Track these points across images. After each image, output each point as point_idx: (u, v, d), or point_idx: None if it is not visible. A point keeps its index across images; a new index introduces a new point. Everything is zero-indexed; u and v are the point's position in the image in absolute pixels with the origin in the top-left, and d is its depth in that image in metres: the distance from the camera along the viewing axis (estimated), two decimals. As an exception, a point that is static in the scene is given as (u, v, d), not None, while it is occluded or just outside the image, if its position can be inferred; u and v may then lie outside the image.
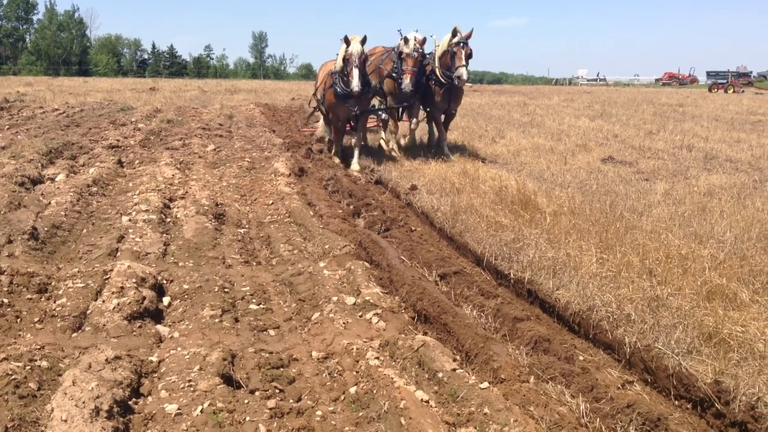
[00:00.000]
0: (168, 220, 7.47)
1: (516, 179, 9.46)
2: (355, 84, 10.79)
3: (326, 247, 6.48)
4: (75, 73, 79.08)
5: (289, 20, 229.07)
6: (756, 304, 4.87)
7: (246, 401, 3.46)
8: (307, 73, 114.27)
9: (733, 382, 3.81)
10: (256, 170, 11.05)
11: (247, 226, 7.70)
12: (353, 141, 12.93)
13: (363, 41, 11.04)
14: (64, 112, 19.57)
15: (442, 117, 13.32)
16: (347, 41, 10.98)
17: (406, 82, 11.89)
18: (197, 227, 6.92)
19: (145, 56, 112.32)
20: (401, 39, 12.09)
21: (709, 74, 67.81)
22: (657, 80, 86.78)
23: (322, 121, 14.69)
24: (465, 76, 11.86)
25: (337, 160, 12.85)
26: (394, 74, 12.49)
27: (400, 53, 11.96)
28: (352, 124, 13.12)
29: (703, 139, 16.35)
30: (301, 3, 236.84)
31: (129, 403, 3.45)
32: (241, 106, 25.41)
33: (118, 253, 6.01)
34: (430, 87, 12.74)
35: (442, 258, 6.50)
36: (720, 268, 5.43)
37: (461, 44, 11.77)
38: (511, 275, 5.92)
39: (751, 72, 65.67)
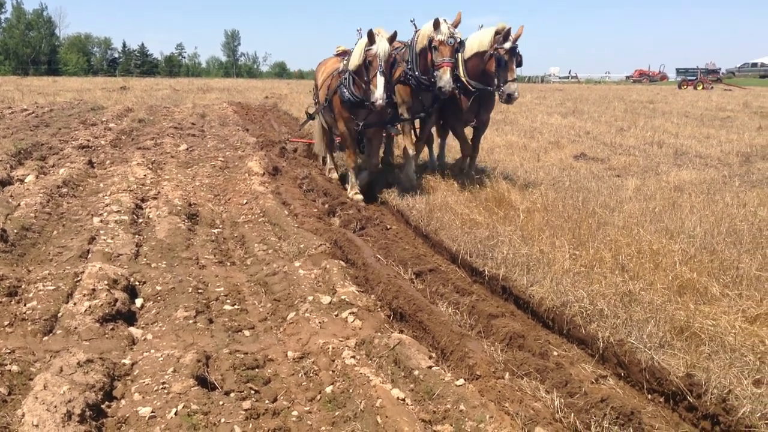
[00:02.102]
0: (140, 220, 7.39)
1: (490, 177, 9.52)
2: (380, 95, 8.05)
3: (301, 246, 6.45)
4: (44, 72, 78.04)
5: (262, 18, 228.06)
6: (726, 298, 4.94)
7: (221, 403, 3.43)
8: (280, 71, 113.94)
9: (705, 375, 3.85)
10: (230, 169, 10.97)
11: (220, 226, 7.65)
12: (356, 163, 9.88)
13: (392, 38, 8.38)
14: (33, 113, 19.25)
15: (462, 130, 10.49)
16: (371, 37, 8.23)
17: (446, 78, 8.52)
18: (170, 227, 6.85)
19: (116, 55, 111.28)
20: (417, 30, 9.24)
21: (678, 71, 68.82)
22: (628, 77, 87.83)
23: (318, 137, 11.56)
24: (517, 94, 8.95)
25: (334, 176, 11.10)
26: (410, 78, 9.28)
27: (430, 42, 8.63)
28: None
29: (674, 135, 16.56)
30: (274, 1, 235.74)
31: (102, 406, 3.40)
32: (213, 104, 25.22)
33: (90, 255, 5.93)
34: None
35: (418, 256, 6.51)
36: (690, 263, 5.50)
37: (510, 50, 8.72)
38: (486, 272, 5.95)
39: (720, 69, 66.72)
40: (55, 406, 3.13)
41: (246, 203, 8.57)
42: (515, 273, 5.69)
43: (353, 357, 3.99)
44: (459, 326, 4.76)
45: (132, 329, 4.53)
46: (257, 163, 10.82)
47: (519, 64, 8.85)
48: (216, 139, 14.41)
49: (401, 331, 4.66)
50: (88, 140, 13.25)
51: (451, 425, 3.27)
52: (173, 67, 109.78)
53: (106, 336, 4.31)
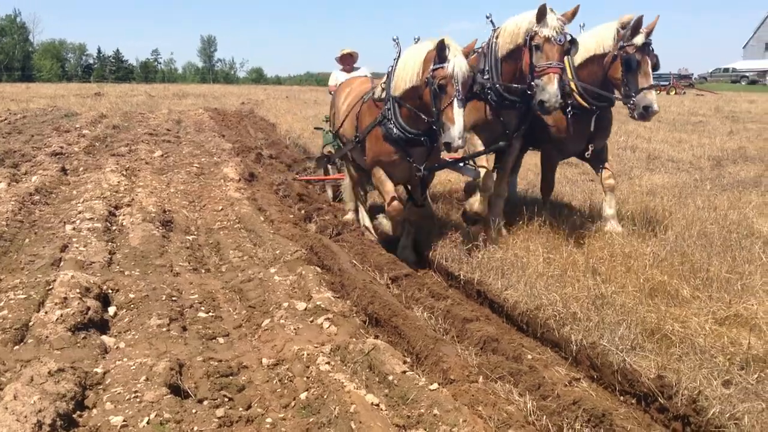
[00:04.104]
0: (114, 228, 7.33)
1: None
2: (458, 133, 5.60)
3: (277, 252, 6.44)
4: (17, 78, 77.08)
5: (238, 24, 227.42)
6: (696, 300, 5.02)
7: (194, 411, 3.41)
8: (257, 77, 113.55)
9: (676, 376, 3.91)
10: (205, 176, 10.92)
11: (195, 232, 7.60)
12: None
13: (470, 51, 6.11)
14: (5, 119, 19.03)
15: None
16: (443, 51, 5.74)
17: (552, 88, 5.91)
18: (144, 235, 6.80)
19: (91, 61, 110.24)
20: (496, 29, 6.67)
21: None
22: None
23: (347, 182, 8.41)
24: (657, 106, 6.50)
25: (373, 237, 7.57)
26: (488, 91, 6.61)
27: (529, 39, 6.09)
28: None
29: (646, 139, 16.76)
30: (251, 7, 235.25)
31: (73, 416, 3.36)
32: (189, 110, 25.08)
33: (62, 263, 5.86)
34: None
35: (394, 261, 6.52)
36: (662, 266, 5.58)
37: (643, 46, 6.43)
38: (461, 276, 5.99)
39: (693, 74, 67.60)
40: (26, 416, 3.09)
41: (221, 209, 8.53)
42: (490, 277, 5.73)
43: (328, 363, 3.98)
44: (434, 331, 4.78)
45: (104, 338, 4.49)
46: (233, 169, 10.78)
47: (655, 67, 6.59)
48: (191, 146, 14.34)
49: (377, 337, 4.67)
50: (62, 147, 13.10)
51: (425, 429, 3.28)
52: (149, 73, 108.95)
53: (78, 345, 4.26)
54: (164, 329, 4.51)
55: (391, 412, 3.47)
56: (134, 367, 3.87)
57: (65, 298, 4.69)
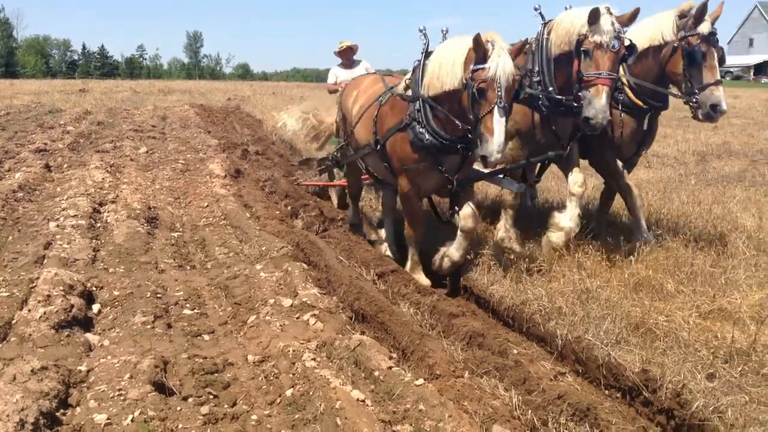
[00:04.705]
0: (98, 225, 7.27)
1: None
2: (498, 146, 4.87)
3: (263, 249, 6.41)
4: (1, 75, 76.27)
5: (224, 20, 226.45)
6: (681, 294, 5.06)
7: (179, 408, 3.40)
8: (244, 73, 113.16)
9: (660, 370, 3.95)
10: (191, 172, 10.86)
11: (181, 229, 7.56)
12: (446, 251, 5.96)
13: (519, 51, 5.29)
14: (-12, 116, 18.82)
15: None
16: (481, 47, 4.95)
17: (599, 104, 5.28)
18: (128, 232, 6.75)
19: (75, 57, 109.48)
20: (546, 23, 5.91)
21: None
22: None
23: (348, 192, 7.98)
24: (725, 105, 5.82)
25: (385, 249, 7.07)
26: (539, 96, 5.83)
27: (578, 44, 5.39)
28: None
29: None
30: (237, 3, 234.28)
31: (56, 414, 3.33)
32: (175, 107, 24.91)
33: (45, 260, 5.81)
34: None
35: (380, 257, 6.53)
36: (646, 260, 5.62)
37: (708, 36, 5.70)
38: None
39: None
40: (8, 415, 3.06)
41: (207, 206, 8.49)
42: (476, 272, 5.74)
43: (314, 359, 3.97)
44: (420, 326, 4.78)
45: (88, 335, 4.45)
46: (219, 166, 10.73)
47: (721, 60, 5.81)
48: (177, 142, 14.25)
49: (363, 333, 4.66)
50: (46, 144, 12.97)
51: (411, 425, 3.28)
52: (134, 69, 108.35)
53: (62, 343, 4.22)
54: (149, 326, 4.48)
55: (377, 407, 3.47)
56: (118, 364, 3.84)
57: (49, 296, 4.65)
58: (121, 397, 3.43)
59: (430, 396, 3.45)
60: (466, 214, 5.67)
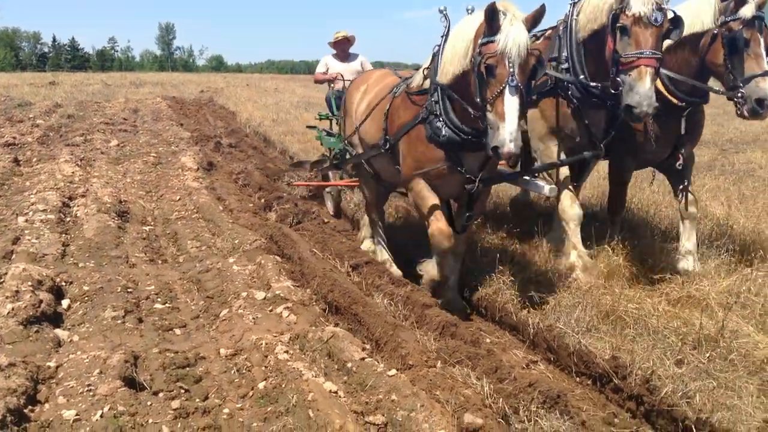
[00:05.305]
0: (68, 219, 7.18)
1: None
2: (509, 134, 4.00)
3: (236, 242, 6.37)
4: (-32, 68, 74.81)
5: (197, 11, 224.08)
6: (650, 282, 5.12)
7: (149, 403, 3.37)
8: (217, 65, 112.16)
9: (630, 357, 3.99)
10: (163, 165, 10.76)
11: (152, 223, 7.49)
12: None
13: (535, 19, 4.25)
14: (-45, 110, 18.46)
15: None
16: (494, 19, 4.13)
17: (643, 88, 4.45)
18: (99, 226, 6.67)
19: (45, 50, 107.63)
20: (575, 1, 5.19)
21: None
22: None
23: (366, 188, 6.57)
24: None
25: (386, 257, 6.31)
26: (567, 85, 5.19)
27: (613, 20, 4.62)
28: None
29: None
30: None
31: (24, 411, 3.28)
32: (147, 99, 24.67)
33: (14, 256, 5.72)
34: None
35: (355, 249, 6.51)
36: (617, 248, 5.66)
37: (755, 21, 4.85)
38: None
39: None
40: (-26, 413, 3.02)
41: (179, 199, 8.41)
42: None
43: (287, 352, 3.97)
44: (393, 317, 4.78)
45: (58, 331, 4.39)
46: (191, 159, 10.65)
47: None
48: (149, 135, 14.12)
49: (336, 324, 4.66)
50: (14, 137, 12.79)
51: (383, 415, 3.29)
52: (105, 61, 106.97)
53: (30, 339, 4.16)
54: (119, 321, 4.44)
55: (350, 399, 3.47)
56: (88, 360, 3.79)
57: (17, 291, 4.58)
58: (91, 393, 3.39)
59: (402, 386, 3.45)
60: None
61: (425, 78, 5.02)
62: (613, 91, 4.65)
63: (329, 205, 8.83)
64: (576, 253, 5.40)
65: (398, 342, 4.20)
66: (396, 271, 6.03)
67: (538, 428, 3.23)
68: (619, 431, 3.42)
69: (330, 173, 8.34)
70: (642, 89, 4.42)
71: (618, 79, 4.59)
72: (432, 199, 5.00)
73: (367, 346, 4.22)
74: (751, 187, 8.36)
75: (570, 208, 5.38)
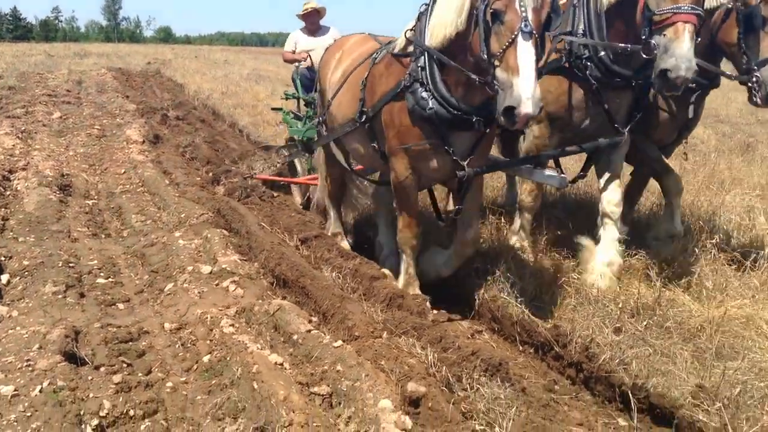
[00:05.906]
0: (7, 193, 6.96)
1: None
2: (528, 91, 3.31)
3: (182, 216, 6.28)
4: None
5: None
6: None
7: (90, 378, 3.32)
8: (165, 36, 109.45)
9: (570, 326, 4.11)
10: (107, 138, 10.50)
11: (96, 197, 7.32)
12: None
13: None
14: None
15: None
16: None
17: (682, 50, 3.76)
18: (40, 200, 6.49)
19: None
20: None
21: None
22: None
23: (322, 168, 6.18)
24: None
25: (346, 245, 5.96)
26: (582, 61, 4.51)
27: None
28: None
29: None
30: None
31: (-41, 389, 3.21)
32: (91, 71, 23.93)
33: (-51, 231, 5.54)
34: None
35: (304, 222, 6.48)
36: (565, 222, 5.77)
37: None
38: (371, 236, 6.00)
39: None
40: None
41: (124, 173, 8.23)
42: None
43: (232, 325, 3.95)
44: (341, 289, 4.78)
45: (-4, 307, 4.28)
46: (137, 131, 10.40)
47: None
48: (93, 107, 13.74)
49: (284, 298, 4.64)
50: (-50, 110, 12.31)
51: (328, 386, 3.31)
52: (49, 31, 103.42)
53: (-33, 315, 4.06)
54: (60, 296, 4.35)
55: (295, 370, 3.48)
56: (27, 335, 3.71)
57: (-49, 268, 4.45)
58: (30, 368, 3.32)
59: (348, 357, 3.48)
60: (466, 241, 4.63)
61: (409, 41, 4.32)
62: (645, 56, 3.98)
63: (296, 195, 8.03)
64: (519, 236, 5.30)
65: (345, 314, 4.21)
66: (345, 244, 5.90)
67: (480, 395, 3.29)
68: (559, 397, 3.53)
69: (296, 161, 7.73)
70: (679, 50, 3.77)
71: (651, 41, 3.90)
72: (411, 189, 4.54)
73: (314, 319, 4.22)
74: (692, 161, 8.57)
75: (617, 206, 4.85)
